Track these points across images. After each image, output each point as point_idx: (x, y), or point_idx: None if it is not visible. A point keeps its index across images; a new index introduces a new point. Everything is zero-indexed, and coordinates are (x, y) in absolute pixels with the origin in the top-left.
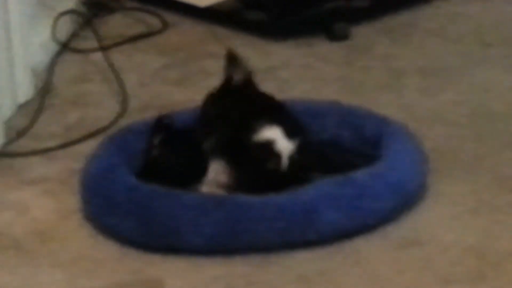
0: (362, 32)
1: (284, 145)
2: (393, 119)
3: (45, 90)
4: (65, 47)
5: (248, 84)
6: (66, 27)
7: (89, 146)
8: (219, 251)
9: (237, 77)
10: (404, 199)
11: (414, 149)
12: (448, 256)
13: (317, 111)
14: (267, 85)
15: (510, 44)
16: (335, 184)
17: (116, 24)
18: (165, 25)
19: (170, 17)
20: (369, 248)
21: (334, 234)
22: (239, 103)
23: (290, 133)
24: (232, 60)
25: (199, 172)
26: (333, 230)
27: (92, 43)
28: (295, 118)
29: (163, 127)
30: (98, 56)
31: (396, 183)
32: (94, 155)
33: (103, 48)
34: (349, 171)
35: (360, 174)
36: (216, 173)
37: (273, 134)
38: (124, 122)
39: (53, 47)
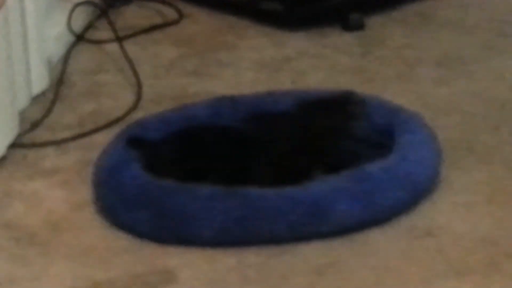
0: (377, 23)
1: None
2: (405, 109)
3: (60, 81)
4: (80, 38)
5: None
6: (81, 18)
7: (104, 137)
8: (231, 243)
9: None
10: (418, 191)
11: (427, 139)
12: (462, 246)
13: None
14: (282, 75)
15: None
16: (348, 178)
17: (132, 15)
18: (181, 16)
19: (185, 7)
20: (382, 239)
21: (346, 226)
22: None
23: None
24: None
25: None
26: (345, 223)
27: (107, 34)
28: None
29: (137, 144)
30: (113, 47)
31: (409, 176)
32: (107, 148)
33: (119, 39)
34: (361, 161)
35: (374, 168)
36: None
37: None
38: (138, 114)
39: (69, 38)
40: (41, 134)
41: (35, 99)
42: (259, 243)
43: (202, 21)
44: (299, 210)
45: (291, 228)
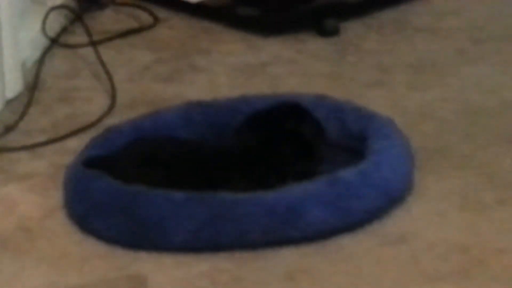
0: (352, 28)
1: None
2: (379, 114)
3: (34, 85)
4: (55, 42)
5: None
6: (56, 22)
7: (77, 142)
8: (203, 248)
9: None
10: (391, 197)
11: (400, 145)
12: (434, 253)
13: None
14: (258, 81)
15: (500, 40)
16: (322, 184)
17: (107, 19)
18: (156, 21)
19: (161, 12)
20: (354, 245)
21: (319, 232)
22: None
23: None
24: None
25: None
26: (318, 229)
27: (82, 38)
28: None
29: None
30: (88, 51)
31: (383, 182)
32: (79, 155)
33: (93, 43)
34: (334, 166)
35: (346, 173)
36: None
37: None
38: (112, 118)
39: (43, 42)
40: (14, 139)
41: (9, 103)
42: (231, 248)
43: (178, 26)
44: (271, 215)
45: (263, 233)
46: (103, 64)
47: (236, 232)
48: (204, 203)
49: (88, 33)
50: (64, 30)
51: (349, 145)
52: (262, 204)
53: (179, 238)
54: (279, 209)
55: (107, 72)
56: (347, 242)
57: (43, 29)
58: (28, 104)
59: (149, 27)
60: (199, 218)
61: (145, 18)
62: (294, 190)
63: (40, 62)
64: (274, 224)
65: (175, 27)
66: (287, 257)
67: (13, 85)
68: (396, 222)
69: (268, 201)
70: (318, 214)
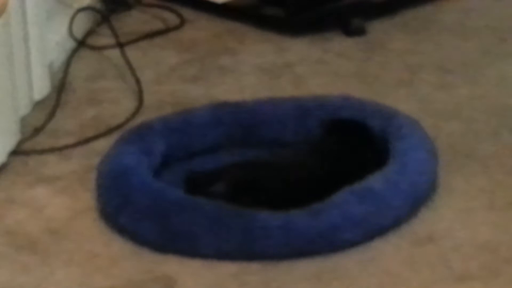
0: (378, 27)
1: None
2: (402, 113)
3: (61, 87)
4: (81, 44)
5: None
6: (83, 24)
7: (105, 144)
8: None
9: None
10: (418, 198)
11: (424, 145)
12: (463, 253)
13: (328, 106)
14: (284, 81)
15: None
16: (351, 200)
17: (133, 20)
18: (182, 22)
19: (187, 13)
20: (383, 246)
21: (351, 247)
22: None
23: None
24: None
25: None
26: (348, 246)
27: (109, 40)
28: None
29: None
30: (114, 52)
31: (410, 185)
32: (111, 152)
33: (120, 45)
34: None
35: (374, 183)
36: None
37: None
38: (140, 119)
39: (70, 44)
40: (42, 141)
41: (37, 105)
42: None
43: (204, 27)
44: (304, 239)
45: (294, 253)
46: (129, 65)
47: (264, 252)
48: (237, 219)
49: (115, 35)
50: (90, 32)
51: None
52: (295, 226)
53: (208, 251)
54: (312, 235)
55: (134, 74)
56: (375, 243)
57: (70, 31)
58: (56, 106)
59: (175, 28)
60: (231, 234)
61: (171, 19)
62: (328, 211)
63: (67, 64)
64: (306, 247)
65: (201, 28)
66: (316, 259)
67: (41, 87)
68: (424, 222)
69: (302, 224)
70: (349, 236)
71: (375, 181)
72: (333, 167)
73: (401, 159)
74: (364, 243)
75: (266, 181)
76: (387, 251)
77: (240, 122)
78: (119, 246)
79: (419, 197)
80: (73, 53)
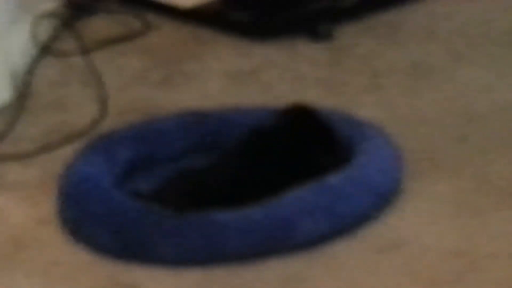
0: (346, 33)
1: None
2: (364, 118)
3: (24, 93)
4: (45, 50)
5: None
6: (46, 29)
7: (69, 150)
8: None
9: None
10: (381, 200)
11: (386, 147)
12: (428, 259)
13: None
14: (250, 87)
15: (494, 43)
16: (308, 192)
17: (98, 26)
18: (147, 27)
19: (152, 19)
20: (348, 252)
21: (312, 242)
22: None
23: None
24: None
25: None
26: (310, 239)
27: (72, 46)
28: None
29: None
30: (78, 59)
31: (369, 182)
32: (73, 162)
33: (84, 51)
34: (320, 171)
35: (333, 179)
36: None
37: None
38: (104, 126)
39: (33, 50)
40: (4, 147)
41: None
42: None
43: (169, 32)
44: (262, 233)
45: (254, 249)
46: (94, 71)
47: (227, 252)
48: (195, 223)
49: (79, 41)
50: (54, 38)
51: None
52: (252, 222)
53: (169, 256)
54: (270, 226)
55: (98, 80)
56: (340, 249)
57: (33, 36)
58: (19, 113)
59: (140, 33)
60: (190, 238)
61: (136, 24)
62: (283, 203)
63: (31, 70)
64: (265, 240)
65: (166, 34)
66: (280, 264)
67: (3, 94)
68: (389, 228)
69: (258, 218)
70: (309, 226)
71: (331, 177)
72: (283, 167)
73: (361, 159)
74: (326, 243)
75: (205, 186)
76: (352, 257)
77: (206, 130)
78: (82, 255)
79: (380, 194)
80: (37, 60)
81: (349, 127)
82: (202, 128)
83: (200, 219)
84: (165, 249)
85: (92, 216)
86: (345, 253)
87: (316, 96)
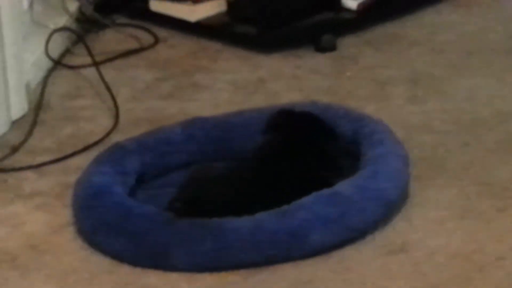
0: (349, 44)
1: None
2: (371, 117)
3: (38, 106)
4: (58, 63)
5: None
6: (58, 44)
7: (82, 160)
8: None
9: None
10: (390, 206)
11: (396, 153)
12: (435, 261)
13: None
14: (257, 97)
15: (491, 52)
16: (320, 202)
17: (108, 40)
18: (156, 40)
19: (161, 32)
20: (357, 256)
21: (322, 250)
22: None
23: None
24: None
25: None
26: (321, 248)
27: (84, 59)
28: None
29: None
30: (90, 71)
31: (380, 192)
32: (86, 173)
33: (95, 64)
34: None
35: (344, 188)
36: None
37: None
38: (116, 136)
39: (46, 64)
40: (20, 158)
41: (14, 124)
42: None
43: (177, 45)
44: (273, 244)
45: (265, 259)
46: (105, 83)
47: (239, 261)
48: (208, 232)
49: (90, 54)
50: (66, 52)
51: (343, 148)
52: (264, 232)
53: (183, 265)
54: (282, 236)
55: (110, 92)
56: (350, 253)
57: (46, 51)
58: (33, 125)
59: (150, 46)
60: (203, 247)
61: (146, 38)
62: (295, 213)
63: (44, 83)
64: (276, 250)
65: (175, 46)
66: (292, 269)
67: (18, 107)
68: (397, 231)
69: (270, 228)
70: (320, 236)
71: (342, 186)
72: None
73: (371, 166)
74: (336, 249)
75: (215, 195)
76: (361, 260)
77: (212, 137)
78: (98, 261)
79: (390, 203)
80: (50, 73)
81: (353, 124)
82: (208, 135)
83: (213, 227)
84: (178, 255)
85: (107, 223)
86: (354, 256)
87: None
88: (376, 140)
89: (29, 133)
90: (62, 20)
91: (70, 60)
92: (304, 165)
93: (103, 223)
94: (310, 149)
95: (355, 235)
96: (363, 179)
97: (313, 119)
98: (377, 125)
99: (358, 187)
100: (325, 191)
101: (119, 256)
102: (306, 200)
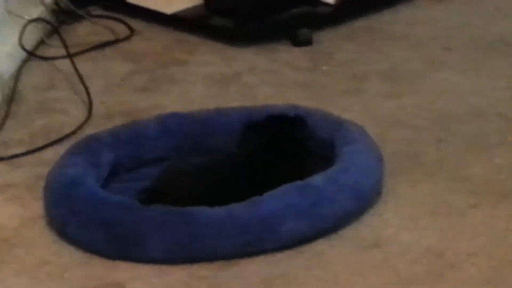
0: (325, 38)
1: None
2: (348, 120)
3: (11, 97)
4: (32, 54)
5: None
6: (33, 35)
7: (55, 153)
8: (179, 261)
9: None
10: (363, 199)
11: (368, 149)
12: (408, 257)
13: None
14: (232, 91)
15: (469, 47)
16: (291, 192)
17: (83, 31)
18: (132, 32)
19: (136, 24)
20: (330, 251)
21: (294, 241)
22: None
23: None
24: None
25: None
26: (293, 238)
27: (59, 50)
28: None
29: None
30: (64, 63)
31: (351, 184)
32: (58, 164)
33: (70, 56)
34: (305, 172)
35: (318, 179)
36: None
37: None
38: (89, 129)
39: (20, 55)
40: None
41: None
42: (207, 260)
43: (153, 37)
44: (245, 232)
45: (238, 248)
46: (79, 75)
47: (212, 249)
48: (181, 220)
49: (65, 46)
50: (40, 43)
51: (319, 152)
52: (236, 220)
53: (155, 253)
54: (254, 224)
55: (84, 84)
56: (322, 248)
57: (20, 42)
58: (6, 116)
59: (125, 38)
60: (176, 235)
61: (121, 30)
62: (267, 202)
63: (17, 74)
64: (248, 240)
65: (150, 39)
66: (264, 264)
67: None
68: (370, 227)
69: (242, 217)
70: (292, 225)
71: (314, 178)
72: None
73: (343, 161)
74: (309, 242)
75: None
76: (334, 255)
77: (188, 133)
78: (70, 254)
79: (361, 196)
80: (23, 64)
81: (333, 128)
82: (184, 130)
83: (185, 214)
84: (152, 243)
85: (79, 213)
86: (327, 251)
87: (297, 100)
88: (350, 140)
89: (1, 125)
90: (37, 11)
91: (45, 51)
92: (278, 160)
93: (74, 213)
94: (285, 144)
95: (327, 226)
96: (335, 172)
97: (292, 118)
98: (353, 127)
99: (329, 179)
100: (297, 183)
101: (90, 247)
102: (277, 190)
